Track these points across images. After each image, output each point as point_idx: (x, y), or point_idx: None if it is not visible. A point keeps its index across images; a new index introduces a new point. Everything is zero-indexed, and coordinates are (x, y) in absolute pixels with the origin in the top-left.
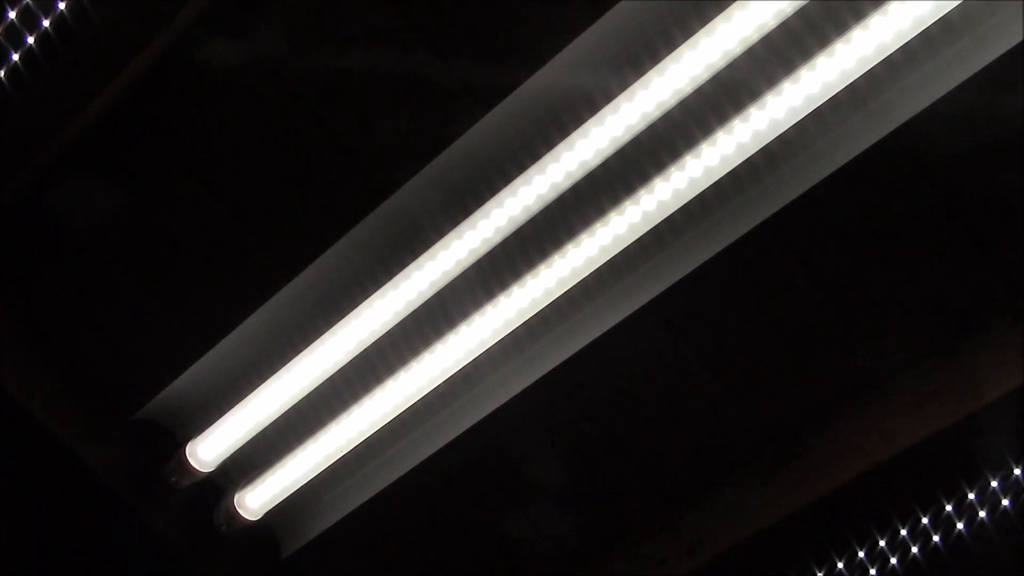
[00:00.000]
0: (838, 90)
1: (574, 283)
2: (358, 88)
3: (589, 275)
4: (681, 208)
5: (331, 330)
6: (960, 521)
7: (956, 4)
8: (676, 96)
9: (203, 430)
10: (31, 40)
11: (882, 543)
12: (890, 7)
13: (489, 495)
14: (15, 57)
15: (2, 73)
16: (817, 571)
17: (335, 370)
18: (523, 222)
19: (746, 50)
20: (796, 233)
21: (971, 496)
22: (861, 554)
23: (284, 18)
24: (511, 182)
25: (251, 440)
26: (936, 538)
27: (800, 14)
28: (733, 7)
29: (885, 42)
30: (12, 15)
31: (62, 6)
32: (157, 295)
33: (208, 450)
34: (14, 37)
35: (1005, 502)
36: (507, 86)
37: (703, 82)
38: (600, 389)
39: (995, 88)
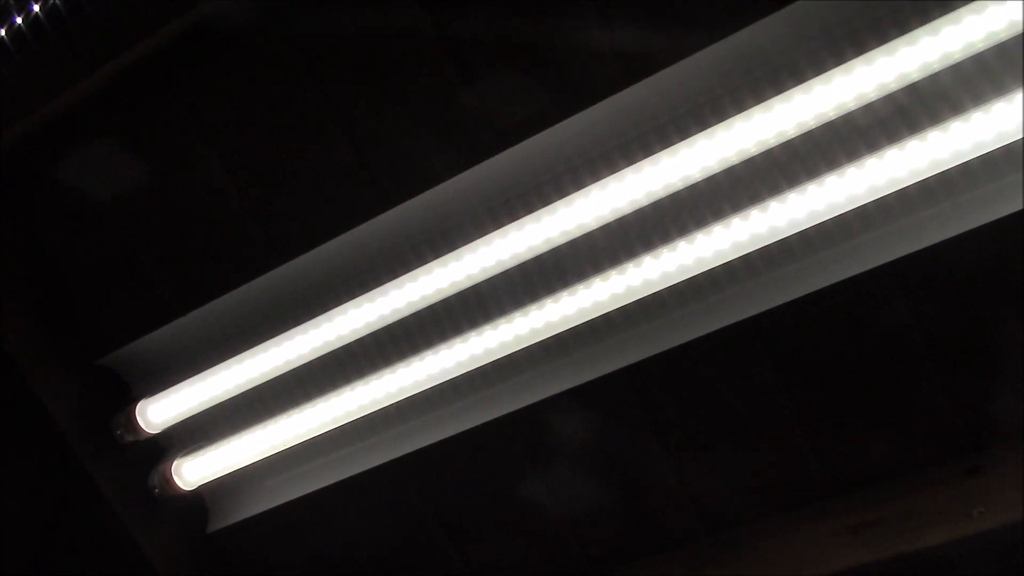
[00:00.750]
0: None
1: (540, 338)
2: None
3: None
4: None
5: (302, 325)
6: None
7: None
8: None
9: (158, 392)
10: None
11: None
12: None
13: (422, 519)
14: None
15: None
16: None
17: (299, 364)
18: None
19: None
20: (776, 333)
21: None
22: None
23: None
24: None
25: (204, 412)
26: None
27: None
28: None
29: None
30: None
31: None
32: (150, 250)
33: (158, 412)
34: None
35: None
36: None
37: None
38: (549, 437)
39: None
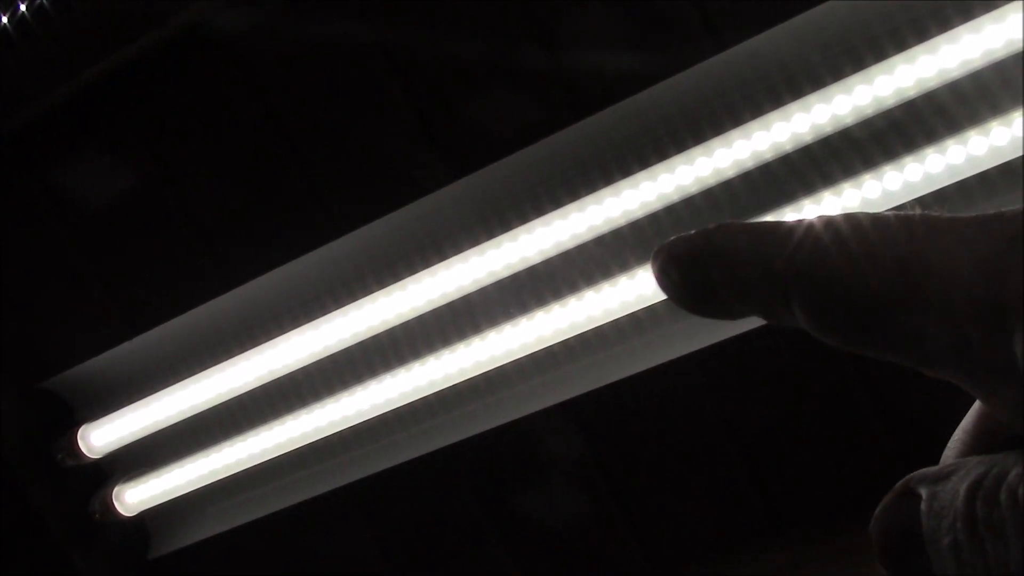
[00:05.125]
0: None
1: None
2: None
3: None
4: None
5: (246, 352)
6: None
7: None
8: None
9: (101, 416)
10: None
11: None
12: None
13: (367, 548)
14: None
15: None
16: None
17: (244, 391)
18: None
19: None
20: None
21: None
22: None
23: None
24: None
25: (147, 437)
26: None
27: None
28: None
29: None
30: None
31: None
32: (102, 271)
33: (100, 437)
34: None
35: None
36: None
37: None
38: (497, 470)
39: None
